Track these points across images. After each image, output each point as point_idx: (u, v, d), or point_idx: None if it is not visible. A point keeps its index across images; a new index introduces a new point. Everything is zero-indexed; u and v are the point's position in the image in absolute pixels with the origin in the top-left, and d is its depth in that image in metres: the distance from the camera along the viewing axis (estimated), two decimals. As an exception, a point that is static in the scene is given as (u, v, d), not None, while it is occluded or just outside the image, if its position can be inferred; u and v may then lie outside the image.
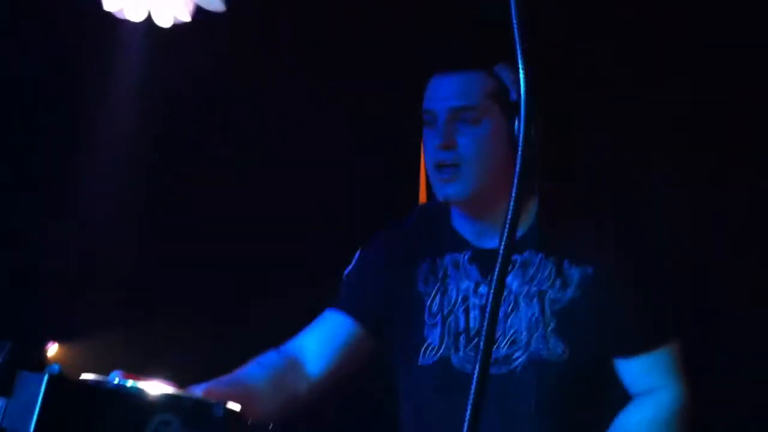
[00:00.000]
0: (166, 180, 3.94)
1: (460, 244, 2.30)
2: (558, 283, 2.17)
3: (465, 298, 2.25)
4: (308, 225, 3.82)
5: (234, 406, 1.63)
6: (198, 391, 1.97)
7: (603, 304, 2.15)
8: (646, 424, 2.14)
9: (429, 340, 2.27)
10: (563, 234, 2.20)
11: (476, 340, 2.20)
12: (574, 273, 2.16)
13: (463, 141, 2.15)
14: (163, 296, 3.73)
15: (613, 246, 2.19)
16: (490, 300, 1.19)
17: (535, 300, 2.17)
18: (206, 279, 3.72)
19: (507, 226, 1.18)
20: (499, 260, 1.16)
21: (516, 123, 2.09)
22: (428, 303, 2.30)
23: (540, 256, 2.19)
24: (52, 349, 3.66)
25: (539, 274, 2.19)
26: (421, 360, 2.27)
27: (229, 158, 3.89)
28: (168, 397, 1.51)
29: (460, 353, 2.23)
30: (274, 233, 3.80)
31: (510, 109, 2.15)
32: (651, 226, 2.39)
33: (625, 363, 2.20)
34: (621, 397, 2.24)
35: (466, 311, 2.22)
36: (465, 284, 2.26)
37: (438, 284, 2.30)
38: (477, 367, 1.15)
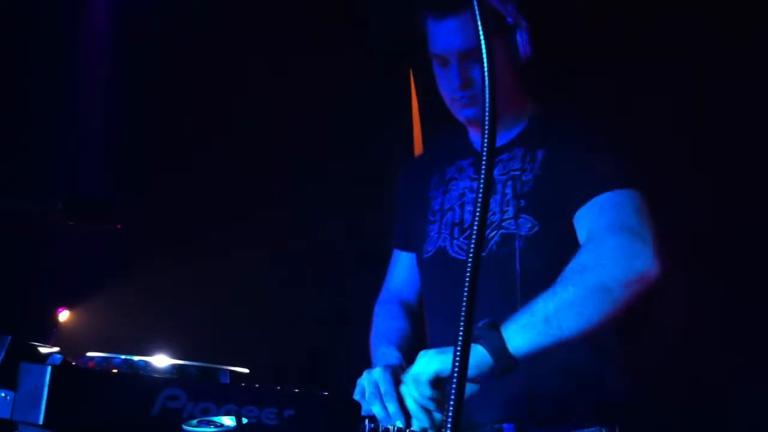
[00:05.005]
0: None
1: (470, 152, 2.50)
2: (528, 167, 2.34)
3: (462, 195, 2.44)
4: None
5: (242, 369, 1.65)
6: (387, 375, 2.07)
7: (559, 175, 2.29)
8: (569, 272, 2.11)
9: (430, 235, 2.46)
10: (541, 130, 2.40)
11: (469, 231, 2.29)
12: (538, 154, 2.34)
13: (477, 76, 2.31)
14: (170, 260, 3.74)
15: (563, 127, 2.36)
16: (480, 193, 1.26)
17: (509, 183, 2.34)
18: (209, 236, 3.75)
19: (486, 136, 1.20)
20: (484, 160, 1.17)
21: (519, 43, 2.32)
22: (433, 204, 2.50)
23: (523, 150, 2.38)
24: (63, 315, 3.69)
25: (518, 164, 2.37)
26: (425, 254, 2.46)
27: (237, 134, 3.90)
28: (174, 370, 1.53)
29: (455, 242, 2.39)
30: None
31: (508, 31, 2.32)
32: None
33: (577, 216, 2.25)
34: None
35: (462, 206, 2.42)
36: (464, 183, 2.45)
37: (443, 187, 2.50)
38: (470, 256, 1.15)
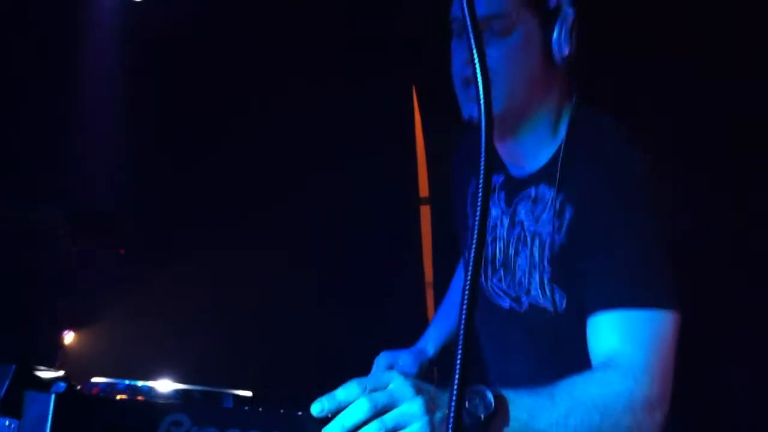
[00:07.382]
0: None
1: (499, 164, 2.16)
2: (557, 224, 1.99)
3: (494, 228, 2.15)
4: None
5: (245, 393, 1.66)
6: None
7: (581, 247, 1.94)
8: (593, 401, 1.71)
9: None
10: (573, 171, 1.99)
11: (500, 271, 2.15)
12: (567, 213, 1.99)
13: (493, 54, 1.92)
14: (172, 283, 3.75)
15: (600, 188, 1.94)
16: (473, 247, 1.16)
17: (537, 240, 2.04)
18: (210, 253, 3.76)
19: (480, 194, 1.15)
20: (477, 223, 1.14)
21: (555, 33, 1.94)
22: (470, 225, 2.29)
23: (552, 192, 2.01)
24: (68, 337, 3.70)
25: (546, 213, 2.03)
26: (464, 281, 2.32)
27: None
28: (177, 395, 1.54)
29: (490, 284, 2.16)
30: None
31: (546, 17, 1.96)
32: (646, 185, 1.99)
33: (601, 318, 1.85)
34: None
35: (494, 241, 2.14)
36: (495, 212, 2.16)
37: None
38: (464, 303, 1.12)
